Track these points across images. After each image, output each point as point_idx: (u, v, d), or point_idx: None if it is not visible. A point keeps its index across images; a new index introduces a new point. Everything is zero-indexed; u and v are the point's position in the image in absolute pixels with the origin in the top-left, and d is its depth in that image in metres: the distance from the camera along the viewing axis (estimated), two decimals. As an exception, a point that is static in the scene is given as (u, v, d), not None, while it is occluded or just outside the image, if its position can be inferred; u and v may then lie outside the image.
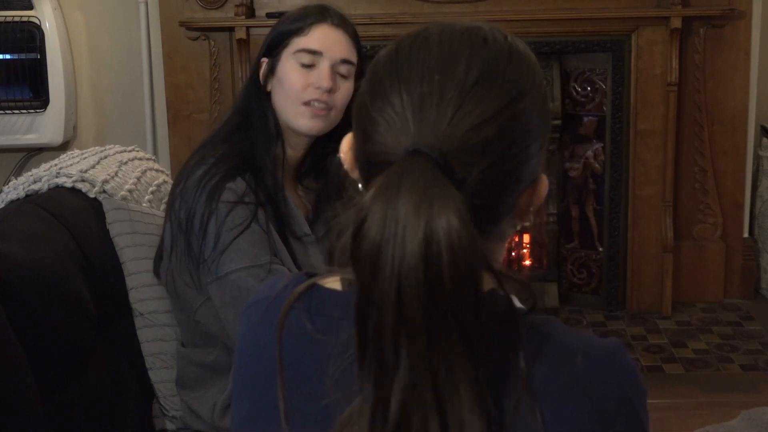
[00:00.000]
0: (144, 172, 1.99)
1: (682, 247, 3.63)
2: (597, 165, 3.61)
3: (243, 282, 1.63)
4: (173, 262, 1.71)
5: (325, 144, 1.81)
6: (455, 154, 0.81)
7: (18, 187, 1.78)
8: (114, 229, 1.80)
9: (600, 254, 3.66)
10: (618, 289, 3.63)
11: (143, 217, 1.84)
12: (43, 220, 1.68)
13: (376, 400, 0.77)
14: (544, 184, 0.90)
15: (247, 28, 3.38)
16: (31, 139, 3.61)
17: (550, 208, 3.64)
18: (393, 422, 0.76)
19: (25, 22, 3.50)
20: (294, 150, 1.79)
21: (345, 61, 1.75)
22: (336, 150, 1.78)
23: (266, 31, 1.84)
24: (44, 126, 3.59)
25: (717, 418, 1.71)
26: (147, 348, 1.83)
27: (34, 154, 3.74)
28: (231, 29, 3.45)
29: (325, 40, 1.73)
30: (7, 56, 3.52)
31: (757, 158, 3.76)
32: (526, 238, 3.66)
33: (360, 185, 0.89)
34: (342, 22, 1.76)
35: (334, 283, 0.91)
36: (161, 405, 1.86)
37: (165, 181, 2.03)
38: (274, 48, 1.75)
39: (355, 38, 1.77)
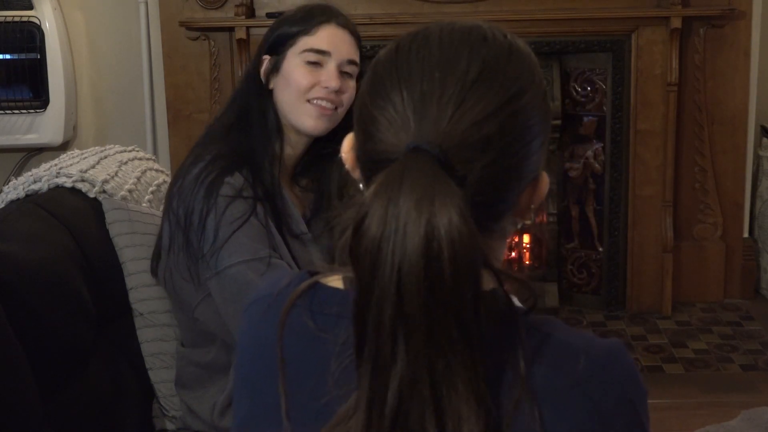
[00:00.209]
0: (144, 172, 1.99)
1: (682, 247, 3.63)
2: (597, 165, 3.61)
3: (242, 276, 1.63)
4: (171, 259, 1.71)
5: (324, 145, 1.81)
6: (456, 151, 0.81)
7: (18, 187, 1.78)
8: (114, 229, 1.80)
9: (600, 254, 3.66)
10: (618, 289, 3.63)
11: (143, 217, 1.84)
12: (43, 220, 1.68)
13: (372, 395, 0.78)
14: (545, 182, 0.90)
15: (247, 28, 3.38)
16: (31, 139, 3.61)
17: (550, 207, 3.64)
18: (390, 417, 0.77)
19: (25, 22, 3.50)
20: (293, 149, 1.79)
21: (351, 62, 1.76)
22: (336, 151, 1.79)
23: (266, 31, 1.84)
24: (44, 126, 3.59)
25: (717, 418, 1.71)
26: (147, 348, 1.83)
27: (34, 154, 3.74)
28: (231, 29, 3.45)
29: (333, 40, 1.74)
30: (7, 56, 3.52)
31: (757, 158, 3.76)
32: (526, 237, 3.66)
33: (361, 185, 0.89)
34: (347, 22, 1.77)
35: (335, 281, 0.92)
36: (161, 405, 1.86)
37: (165, 181, 2.03)
38: (278, 46, 1.75)
39: (358, 38, 1.79)
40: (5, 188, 1.82)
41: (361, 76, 1.79)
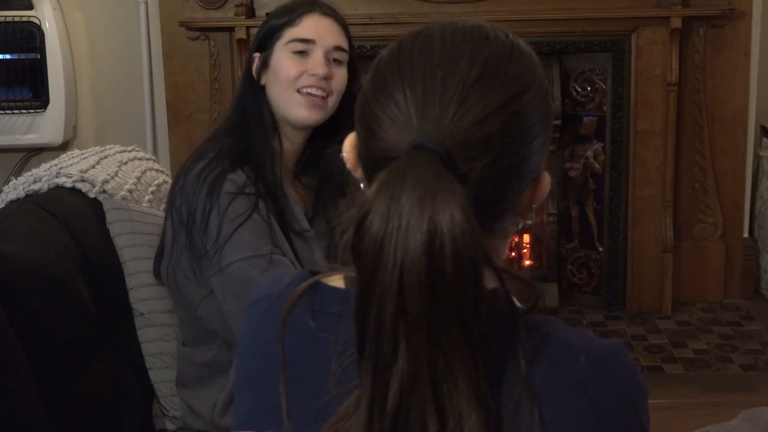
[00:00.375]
0: (144, 172, 1.99)
1: (682, 247, 3.63)
2: (597, 165, 3.61)
3: (244, 272, 1.63)
4: (175, 258, 1.71)
5: (323, 142, 1.82)
6: (458, 149, 0.81)
7: (18, 187, 1.78)
8: (114, 229, 1.80)
9: (600, 254, 3.66)
10: (618, 289, 3.63)
11: (143, 217, 1.84)
12: (43, 220, 1.68)
13: (374, 393, 0.78)
14: (546, 181, 0.90)
15: (247, 28, 3.38)
16: (31, 139, 3.61)
17: (550, 207, 3.64)
18: (390, 415, 0.77)
19: (25, 22, 3.50)
20: (291, 144, 1.80)
21: (338, 48, 1.76)
22: (330, 145, 1.81)
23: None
24: (44, 126, 3.59)
25: (717, 418, 1.71)
26: (147, 348, 1.83)
27: (34, 154, 3.74)
28: (231, 29, 3.45)
29: (317, 28, 1.75)
30: (7, 56, 3.52)
31: (757, 158, 3.76)
32: (526, 238, 3.66)
33: (362, 185, 0.89)
34: (331, 11, 1.78)
35: (337, 281, 0.92)
36: (161, 405, 1.86)
37: (165, 181, 2.03)
38: (266, 42, 1.77)
39: (344, 26, 1.80)
40: (5, 188, 1.82)
41: (352, 62, 1.80)
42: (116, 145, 2.08)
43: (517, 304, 0.87)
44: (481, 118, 0.82)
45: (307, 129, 1.79)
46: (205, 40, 3.51)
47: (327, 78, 1.73)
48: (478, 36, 0.87)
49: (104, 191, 1.84)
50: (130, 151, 2.06)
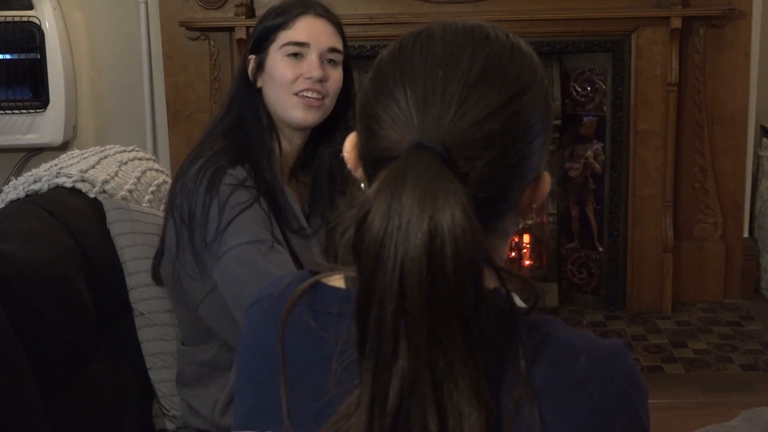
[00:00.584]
0: (144, 172, 1.99)
1: (682, 247, 3.63)
2: (597, 165, 3.61)
3: (245, 256, 1.63)
4: (180, 257, 1.71)
5: (318, 139, 1.82)
6: (459, 148, 0.81)
7: (18, 187, 1.78)
8: (114, 229, 1.80)
9: (600, 254, 3.66)
10: (618, 289, 3.63)
11: (144, 217, 1.84)
12: (43, 220, 1.68)
13: (374, 392, 0.78)
14: (546, 181, 0.90)
15: (247, 28, 3.38)
16: (31, 139, 3.61)
17: (551, 207, 3.64)
18: (391, 414, 0.77)
19: (25, 22, 3.50)
20: (290, 143, 1.80)
21: (332, 49, 1.77)
22: (327, 144, 1.81)
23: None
24: (44, 126, 3.59)
25: (717, 418, 1.71)
26: (147, 348, 1.83)
27: (34, 154, 3.74)
28: (231, 29, 3.45)
29: (311, 30, 1.75)
30: (7, 56, 3.51)
31: (757, 158, 3.76)
32: (526, 238, 3.66)
33: (363, 185, 0.89)
34: (325, 12, 1.78)
35: (337, 281, 0.92)
36: (161, 405, 1.86)
37: (165, 181, 2.03)
38: (260, 44, 1.77)
39: (338, 26, 1.80)
40: (5, 188, 1.82)
41: (347, 62, 1.80)
42: (116, 145, 2.08)
43: (519, 303, 0.87)
44: (481, 117, 0.83)
45: (305, 130, 1.79)
46: (205, 40, 3.51)
47: (322, 80, 1.74)
48: (479, 36, 0.87)
49: (104, 191, 1.84)
50: (130, 151, 2.06)
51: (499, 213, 0.87)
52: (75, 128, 3.73)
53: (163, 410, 1.86)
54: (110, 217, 1.80)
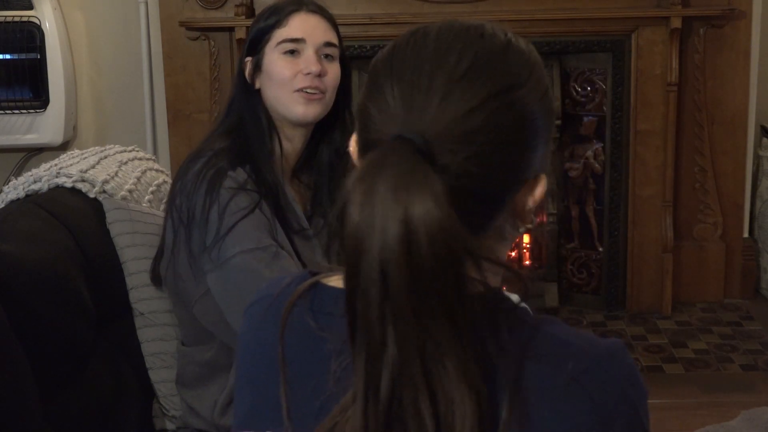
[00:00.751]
0: (144, 172, 1.99)
1: (682, 247, 3.63)
2: (597, 165, 3.61)
3: (246, 264, 1.63)
4: (175, 256, 1.71)
5: (319, 137, 1.82)
6: (439, 141, 0.82)
7: (18, 187, 1.78)
8: (114, 229, 1.80)
9: (600, 254, 3.66)
10: (618, 289, 3.63)
11: (144, 217, 1.84)
12: (43, 220, 1.68)
13: (367, 382, 0.78)
14: (543, 183, 0.90)
15: (247, 28, 3.37)
16: (31, 139, 3.61)
17: (550, 208, 3.64)
18: (384, 403, 0.77)
19: (25, 22, 3.50)
20: (291, 143, 1.80)
21: (328, 44, 1.77)
22: (327, 142, 1.81)
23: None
24: (44, 126, 3.59)
25: (717, 418, 1.71)
26: (147, 348, 1.83)
27: (34, 154, 3.74)
28: (231, 29, 3.45)
29: (305, 26, 1.75)
30: (7, 56, 3.52)
31: (757, 158, 3.76)
32: (526, 237, 3.66)
33: None
34: (317, 7, 1.79)
35: (337, 281, 0.92)
36: (161, 405, 1.86)
37: (165, 181, 2.03)
38: (256, 45, 1.77)
39: (332, 21, 1.80)
40: (5, 188, 1.82)
41: (344, 59, 1.81)
42: (116, 145, 2.08)
43: (515, 299, 0.87)
44: (464, 111, 0.83)
45: (306, 126, 1.79)
46: (205, 40, 3.51)
47: (320, 75, 1.74)
48: (473, 33, 0.88)
49: (104, 191, 1.84)
50: (130, 151, 2.06)
51: (489, 210, 0.87)
52: (75, 128, 3.73)
53: (163, 410, 1.86)
54: (110, 217, 1.80)
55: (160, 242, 1.78)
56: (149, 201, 1.93)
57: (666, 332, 3.43)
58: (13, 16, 3.49)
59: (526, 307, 0.87)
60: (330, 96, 1.77)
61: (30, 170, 1.87)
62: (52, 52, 3.53)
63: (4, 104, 3.54)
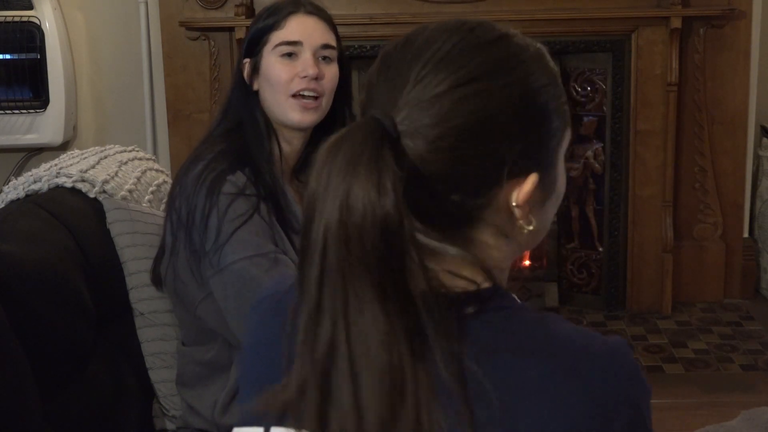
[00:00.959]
0: (144, 172, 1.99)
1: (682, 247, 3.63)
2: (597, 165, 3.61)
3: (246, 272, 1.63)
4: (174, 258, 1.71)
5: (321, 137, 1.82)
6: (406, 123, 0.84)
7: (18, 187, 1.78)
8: (115, 229, 1.80)
9: (600, 254, 3.66)
10: (618, 289, 3.63)
11: (144, 217, 1.84)
12: (43, 220, 1.68)
13: (305, 338, 0.81)
14: (529, 184, 0.89)
15: (247, 28, 3.38)
16: (31, 139, 3.61)
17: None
18: (320, 360, 0.80)
19: (25, 22, 3.50)
20: (290, 145, 1.80)
21: (325, 46, 1.76)
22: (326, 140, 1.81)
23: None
24: (44, 126, 3.59)
25: (717, 418, 1.71)
26: (147, 348, 1.83)
27: (34, 154, 3.74)
28: (231, 29, 3.45)
29: (302, 29, 1.75)
30: (7, 56, 3.52)
31: (757, 158, 3.76)
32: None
33: None
34: (316, 9, 1.78)
35: None
36: (161, 405, 1.86)
37: (165, 181, 2.03)
38: (254, 47, 1.77)
39: (330, 22, 1.79)
40: (5, 188, 1.82)
41: (343, 59, 1.81)
42: (116, 145, 2.08)
43: (518, 301, 0.88)
44: (431, 96, 0.84)
45: (304, 130, 1.79)
46: (205, 40, 3.51)
47: (318, 78, 1.74)
48: (465, 27, 0.89)
49: (104, 191, 1.83)
50: (130, 151, 2.06)
51: (463, 201, 0.86)
52: (75, 128, 3.73)
53: (163, 410, 1.86)
54: (110, 217, 1.80)
55: (160, 243, 1.78)
56: (149, 201, 1.93)
57: (666, 332, 3.43)
58: (13, 16, 3.49)
59: (523, 304, 0.87)
60: (327, 99, 1.77)
61: (30, 170, 1.86)
62: (52, 52, 3.53)
63: (4, 104, 3.54)
